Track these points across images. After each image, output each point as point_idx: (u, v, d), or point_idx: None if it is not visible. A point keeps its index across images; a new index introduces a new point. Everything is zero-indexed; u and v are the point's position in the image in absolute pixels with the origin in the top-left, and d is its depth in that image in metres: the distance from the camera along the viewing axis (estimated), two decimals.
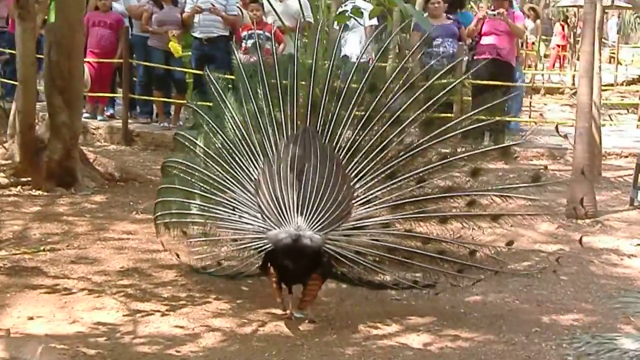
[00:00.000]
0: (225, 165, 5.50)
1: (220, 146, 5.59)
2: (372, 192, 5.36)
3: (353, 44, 10.38)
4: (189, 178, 5.69)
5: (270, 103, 5.57)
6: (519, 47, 13.63)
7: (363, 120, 5.46)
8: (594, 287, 6.38)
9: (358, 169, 5.38)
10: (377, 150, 5.42)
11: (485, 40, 11.82)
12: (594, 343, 3.37)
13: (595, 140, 9.79)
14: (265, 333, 5.13)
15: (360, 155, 5.40)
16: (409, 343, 5.06)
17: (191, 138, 5.86)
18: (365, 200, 5.33)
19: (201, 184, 5.56)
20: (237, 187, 5.39)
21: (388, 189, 5.38)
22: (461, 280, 5.55)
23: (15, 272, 6.11)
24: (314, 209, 5.10)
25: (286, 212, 5.09)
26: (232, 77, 6.15)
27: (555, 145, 12.33)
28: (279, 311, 5.38)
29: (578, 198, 8.34)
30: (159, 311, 5.40)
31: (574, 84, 19.89)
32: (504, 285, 6.24)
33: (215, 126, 5.68)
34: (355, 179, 5.36)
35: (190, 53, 12.81)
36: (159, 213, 6.00)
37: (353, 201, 5.29)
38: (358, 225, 5.27)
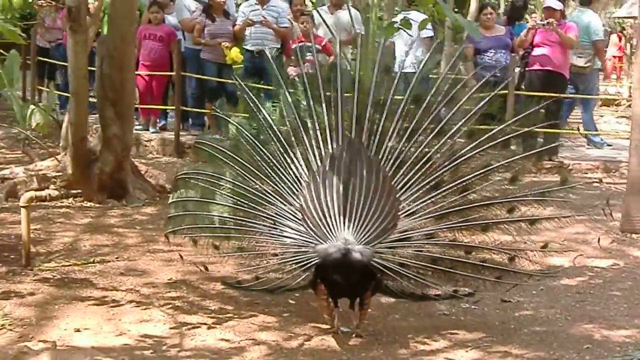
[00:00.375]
0: (265, 178, 5.44)
1: (259, 158, 5.51)
2: (417, 203, 5.30)
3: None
4: (218, 190, 5.62)
5: (315, 115, 5.52)
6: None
7: (408, 132, 5.42)
8: None
9: (404, 181, 5.33)
10: (422, 162, 5.37)
11: (537, 52, 11.68)
12: None
13: None
14: (311, 347, 5.08)
15: (406, 166, 5.36)
16: (457, 359, 4.98)
17: (223, 149, 5.74)
18: (410, 211, 5.28)
19: (236, 197, 5.48)
20: (279, 201, 5.33)
21: (433, 199, 5.33)
22: (499, 287, 5.50)
23: (64, 283, 6.15)
24: (361, 222, 5.06)
25: (333, 225, 5.05)
26: (271, 87, 6.06)
27: (609, 157, 12.17)
28: (325, 325, 5.33)
29: (633, 212, 8.17)
30: (205, 324, 5.39)
31: (630, 95, 19.63)
32: (556, 301, 6.13)
33: (253, 137, 5.59)
34: (401, 191, 5.30)
35: (242, 66, 12.88)
36: (184, 226, 5.84)
37: (399, 213, 5.23)
38: (403, 237, 5.21)
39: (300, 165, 5.41)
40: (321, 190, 5.16)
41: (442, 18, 6.75)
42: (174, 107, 12.79)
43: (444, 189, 5.34)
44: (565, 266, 7.06)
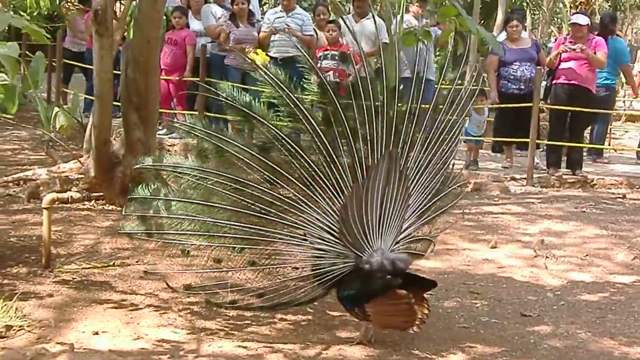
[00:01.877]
0: (301, 185, 5.28)
1: (297, 165, 5.30)
2: (415, 208, 5.42)
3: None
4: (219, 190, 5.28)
5: (360, 125, 5.41)
6: None
7: (427, 141, 5.46)
8: None
9: (413, 188, 5.38)
10: (425, 170, 5.48)
11: (563, 65, 11.61)
12: None
13: None
14: (329, 356, 5.05)
15: (417, 175, 5.42)
16: None
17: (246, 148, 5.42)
18: (410, 215, 5.37)
19: (248, 201, 5.23)
20: (314, 210, 5.22)
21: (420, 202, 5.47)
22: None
23: (84, 286, 6.16)
24: (389, 231, 5.18)
25: (370, 236, 5.11)
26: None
27: (633, 173, 12.10)
28: (343, 334, 5.34)
29: None
30: (223, 330, 5.38)
31: None
32: (577, 316, 6.09)
33: (292, 142, 5.35)
34: (410, 201, 5.35)
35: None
36: (171, 232, 5.38)
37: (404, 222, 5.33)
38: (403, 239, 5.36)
39: (345, 176, 5.30)
40: (363, 202, 5.09)
41: (464, 30, 6.69)
42: (197, 112, 12.80)
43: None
44: (586, 281, 7.02)
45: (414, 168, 5.40)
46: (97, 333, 5.20)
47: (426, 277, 5.59)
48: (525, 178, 11.33)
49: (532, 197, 10.74)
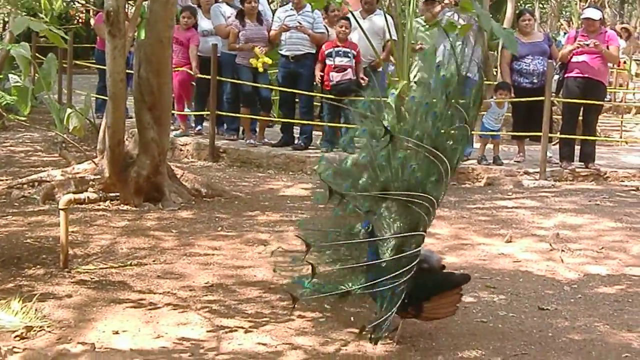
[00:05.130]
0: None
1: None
2: None
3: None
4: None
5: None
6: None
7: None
8: None
9: None
10: None
11: (576, 58, 11.58)
12: None
13: None
14: (348, 353, 5.07)
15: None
16: None
17: None
18: None
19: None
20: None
21: None
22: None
23: (102, 286, 6.19)
24: None
25: None
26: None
27: None
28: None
29: None
30: (242, 327, 5.40)
31: None
32: (594, 309, 6.08)
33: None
34: None
35: (277, 70, 12.94)
36: None
37: None
38: None
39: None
40: None
41: (482, 27, 6.70)
42: (209, 112, 12.82)
43: None
44: (603, 274, 7.01)
45: None
46: (117, 332, 5.23)
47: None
48: (538, 172, 11.30)
49: (545, 190, 10.72)
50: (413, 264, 5.06)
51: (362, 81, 11.68)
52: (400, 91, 6.85)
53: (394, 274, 5.02)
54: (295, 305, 5.39)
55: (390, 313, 4.99)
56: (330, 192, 5.11)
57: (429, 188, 5.21)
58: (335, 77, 11.81)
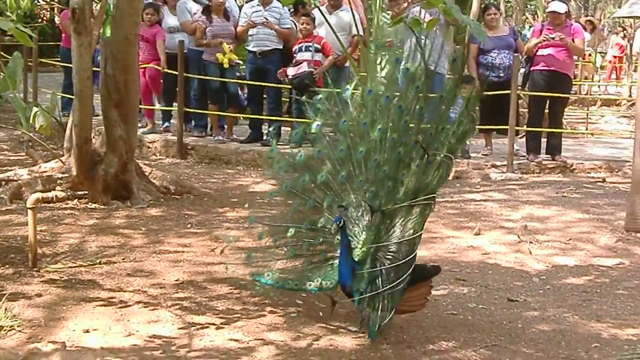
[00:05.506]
0: None
1: None
2: None
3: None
4: None
5: None
6: None
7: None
8: None
9: None
10: None
11: (542, 52, 11.66)
12: None
13: None
14: (320, 347, 5.08)
15: None
16: (466, 359, 4.98)
17: None
18: None
19: None
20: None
21: None
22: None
23: (71, 284, 6.15)
24: None
25: None
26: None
27: (612, 157, 12.19)
28: (333, 325, 5.36)
29: (638, 211, 8.18)
30: (214, 324, 5.39)
31: (630, 95, 19.67)
32: (563, 300, 6.14)
33: None
34: None
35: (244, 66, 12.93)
36: None
37: None
38: None
39: None
40: None
41: (449, 19, 6.71)
42: (177, 109, 12.78)
43: None
44: (571, 265, 7.08)
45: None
46: (87, 331, 5.19)
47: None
48: (505, 165, 11.38)
49: (513, 183, 10.80)
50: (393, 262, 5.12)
51: (315, 76, 11.66)
52: (357, 86, 6.83)
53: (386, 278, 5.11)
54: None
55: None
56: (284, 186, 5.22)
57: (405, 181, 5.22)
58: (291, 71, 11.84)
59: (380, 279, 5.10)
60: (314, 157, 5.59)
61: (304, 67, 11.77)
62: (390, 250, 5.16)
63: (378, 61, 6.35)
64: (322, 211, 5.47)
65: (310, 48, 11.94)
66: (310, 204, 5.48)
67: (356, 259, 5.16)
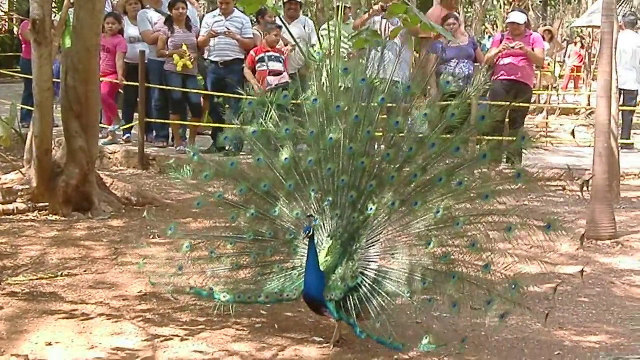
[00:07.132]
0: None
1: None
2: None
3: None
4: None
5: None
6: None
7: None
8: (615, 309, 6.32)
9: None
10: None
11: (503, 61, 11.77)
12: None
13: (615, 160, 9.67)
14: (285, 358, 5.08)
15: None
16: None
17: None
18: None
19: None
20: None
21: None
22: None
23: (33, 297, 6.09)
24: None
25: None
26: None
27: (572, 165, 12.27)
28: (298, 335, 5.36)
29: (598, 219, 8.26)
30: (178, 336, 5.37)
31: (589, 104, 19.88)
32: (525, 308, 6.17)
33: None
34: None
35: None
36: None
37: None
38: None
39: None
40: None
41: (413, 26, 6.75)
42: (137, 119, 12.71)
43: None
44: (533, 273, 7.11)
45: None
46: (50, 344, 5.16)
47: None
48: None
49: None
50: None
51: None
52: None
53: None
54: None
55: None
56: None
57: (366, 191, 5.25)
58: (273, 80, 11.82)
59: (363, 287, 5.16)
60: (253, 166, 5.62)
61: (286, 78, 11.79)
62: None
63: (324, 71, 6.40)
64: (270, 221, 5.48)
65: (281, 59, 11.97)
66: (251, 215, 5.49)
67: (322, 269, 5.15)
